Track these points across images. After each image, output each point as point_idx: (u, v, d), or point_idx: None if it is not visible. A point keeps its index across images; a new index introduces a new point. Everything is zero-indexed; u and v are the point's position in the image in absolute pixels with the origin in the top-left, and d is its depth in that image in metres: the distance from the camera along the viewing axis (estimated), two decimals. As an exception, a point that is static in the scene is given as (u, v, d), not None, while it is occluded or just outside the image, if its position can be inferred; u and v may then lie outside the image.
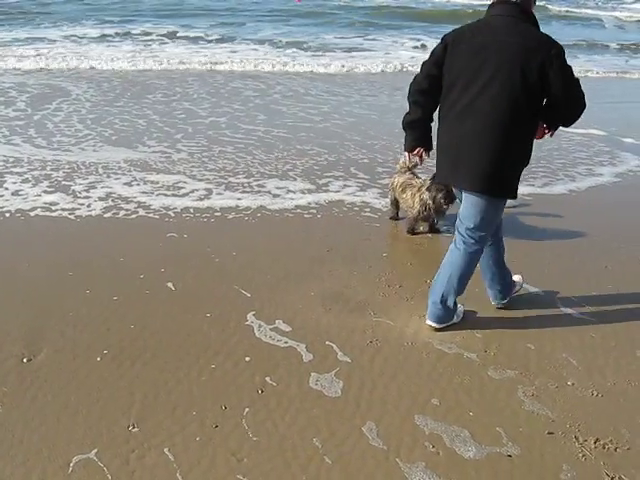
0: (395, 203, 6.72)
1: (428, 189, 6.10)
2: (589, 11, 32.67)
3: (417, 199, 6.21)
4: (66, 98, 12.48)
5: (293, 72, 16.23)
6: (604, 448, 3.43)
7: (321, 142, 10.07)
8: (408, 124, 4.51)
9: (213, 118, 11.30)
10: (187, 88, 13.88)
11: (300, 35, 21.82)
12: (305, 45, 19.89)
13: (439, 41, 4.24)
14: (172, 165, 8.67)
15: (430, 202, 6.11)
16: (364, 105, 12.87)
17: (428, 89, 4.30)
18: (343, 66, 16.72)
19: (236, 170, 8.56)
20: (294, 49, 19.21)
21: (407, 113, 4.49)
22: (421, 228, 6.51)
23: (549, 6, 33.03)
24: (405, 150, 4.65)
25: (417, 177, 6.51)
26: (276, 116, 11.60)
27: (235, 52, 18.60)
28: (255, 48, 19.40)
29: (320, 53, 18.74)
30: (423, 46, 20.01)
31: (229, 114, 11.64)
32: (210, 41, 20.43)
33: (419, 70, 4.35)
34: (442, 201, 6.01)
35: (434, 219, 6.41)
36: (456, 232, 4.55)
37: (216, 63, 16.65)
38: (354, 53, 19.00)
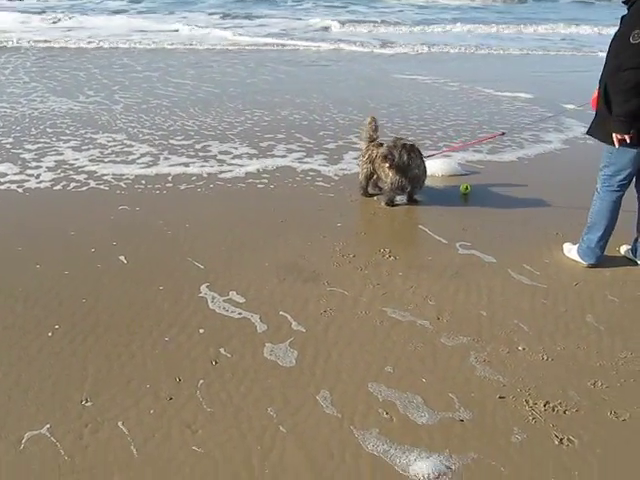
0: (369, 177, 6.60)
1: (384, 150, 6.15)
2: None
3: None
4: (13, 53, 14.39)
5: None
6: (553, 411, 3.50)
7: (252, 99, 10.74)
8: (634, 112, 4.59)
9: (148, 72, 12.83)
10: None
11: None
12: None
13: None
14: (113, 119, 9.31)
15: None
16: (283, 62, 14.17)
17: None
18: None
19: (173, 129, 8.93)
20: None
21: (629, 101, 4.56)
22: (398, 199, 6.52)
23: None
24: (625, 134, 4.62)
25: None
26: (205, 71, 13.21)
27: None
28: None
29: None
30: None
31: (162, 69, 13.22)
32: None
33: (630, 56, 4.45)
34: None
35: (411, 189, 6.38)
36: None
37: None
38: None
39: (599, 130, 4.90)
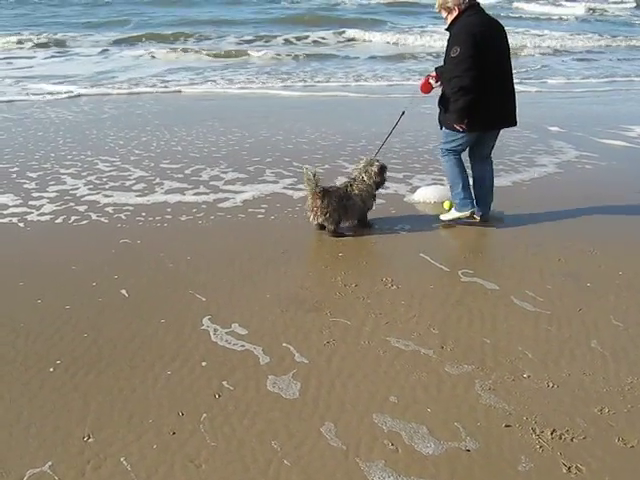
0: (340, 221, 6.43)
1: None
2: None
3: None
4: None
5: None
6: (560, 439, 3.46)
7: (232, 117, 11.53)
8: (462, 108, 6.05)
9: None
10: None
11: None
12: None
13: (464, 38, 5.86)
14: (104, 136, 10.01)
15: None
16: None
17: (479, 74, 5.86)
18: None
19: (161, 152, 9.33)
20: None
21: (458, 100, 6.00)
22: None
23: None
24: (460, 124, 6.14)
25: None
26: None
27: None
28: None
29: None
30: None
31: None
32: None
33: (459, 61, 5.84)
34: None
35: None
36: (477, 165, 6.61)
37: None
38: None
39: (442, 119, 6.40)
